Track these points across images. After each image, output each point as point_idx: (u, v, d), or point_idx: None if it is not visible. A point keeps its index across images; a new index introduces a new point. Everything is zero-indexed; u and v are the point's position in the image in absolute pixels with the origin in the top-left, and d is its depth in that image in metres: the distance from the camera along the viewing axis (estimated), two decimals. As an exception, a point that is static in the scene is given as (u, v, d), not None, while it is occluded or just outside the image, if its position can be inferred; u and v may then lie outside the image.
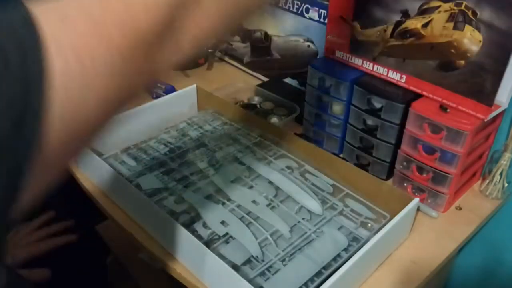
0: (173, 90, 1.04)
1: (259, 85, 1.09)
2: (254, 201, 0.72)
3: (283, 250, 0.64)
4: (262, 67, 1.15)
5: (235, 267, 0.60)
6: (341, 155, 0.88)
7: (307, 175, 0.79)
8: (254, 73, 1.19)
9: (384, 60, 0.78)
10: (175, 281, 1.17)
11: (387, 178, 0.81)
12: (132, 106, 0.87)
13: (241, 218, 0.69)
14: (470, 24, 0.64)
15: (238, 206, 0.71)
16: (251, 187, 0.76)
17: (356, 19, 0.79)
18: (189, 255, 0.63)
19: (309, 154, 0.80)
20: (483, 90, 0.66)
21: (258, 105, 1.03)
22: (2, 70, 0.22)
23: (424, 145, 0.72)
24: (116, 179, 0.71)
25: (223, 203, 0.72)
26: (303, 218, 0.70)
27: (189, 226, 0.67)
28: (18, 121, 0.23)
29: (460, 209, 0.76)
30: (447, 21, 0.66)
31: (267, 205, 0.72)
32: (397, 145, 0.76)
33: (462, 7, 0.64)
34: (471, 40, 0.64)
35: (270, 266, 0.62)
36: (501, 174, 0.77)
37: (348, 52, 0.83)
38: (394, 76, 0.77)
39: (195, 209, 0.70)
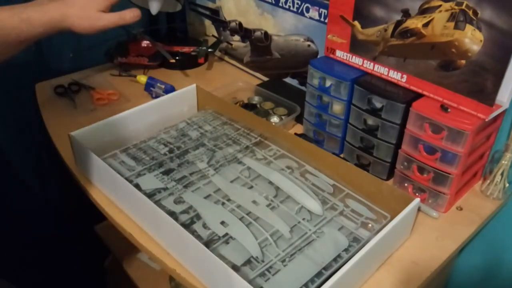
0: (172, 90, 1.04)
1: (259, 85, 1.09)
2: (254, 201, 0.72)
3: (283, 251, 0.64)
4: (262, 67, 1.15)
5: (235, 268, 0.60)
6: (342, 155, 0.87)
7: (307, 175, 0.78)
8: (254, 73, 1.18)
9: (384, 59, 0.77)
10: (175, 282, 1.17)
11: (388, 178, 0.81)
12: (131, 106, 0.87)
13: (241, 219, 0.68)
14: (471, 24, 0.64)
15: (238, 206, 0.71)
16: (251, 187, 0.75)
17: (357, 18, 0.79)
18: (188, 255, 0.63)
19: (309, 154, 0.80)
20: (484, 90, 0.66)
21: (258, 105, 1.03)
22: None
23: (424, 145, 0.72)
24: (115, 179, 0.70)
25: (223, 203, 0.71)
26: (303, 219, 0.69)
27: (188, 226, 0.67)
28: None
29: (461, 209, 0.76)
30: (448, 20, 0.66)
31: (267, 205, 0.71)
32: (398, 145, 0.76)
33: (463, 7, 0.64)
34: (472, 39, 0.64)
35: (270, 267, 0.61)
36: (502, 174, 0.77)
37: (348, 52, 0.83)
38: (395, 75, 0.77)
39: (195, 209, 0.70)
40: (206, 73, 1.22)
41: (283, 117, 0.98)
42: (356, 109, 0.80)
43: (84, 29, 0.72)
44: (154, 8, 1.10)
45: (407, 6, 0.71)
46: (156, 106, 0.91)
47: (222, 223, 0.67)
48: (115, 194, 0.75)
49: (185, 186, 0.75)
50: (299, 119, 0.97)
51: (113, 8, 0.79)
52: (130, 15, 0.75)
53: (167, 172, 0.77)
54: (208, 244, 0.64)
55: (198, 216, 0.69)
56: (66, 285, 1.36)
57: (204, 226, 0.67)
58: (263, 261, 0.62)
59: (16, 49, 0.68)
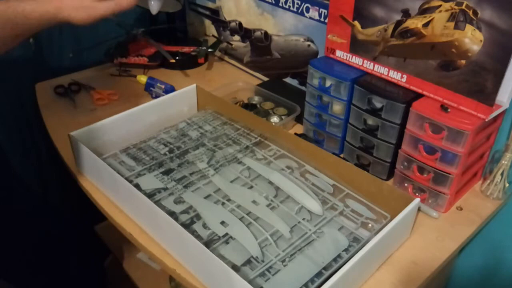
0: (172, 90, 1.04)
1: (259, 85, 1.09)
2: (254, 201, 0.72)
3: (283, 251, 0.64)
4: (262, 67, 1.15)
5: (235, 268, 0.60)
6: (342, 155, 0.87)
7: (307, 175, 0.78)
8: (254, 73, 1.18)
9: (384, 59, 0.77)
10: (175, 282, 1.17)
11: (388, 178, 0.81)
12: (131, 106, 0.87)
13: (241, 219, 0.68)
14: (471, 24, 0.64)
15: (238, 206, 0.71)
16: (251, 187, 0.75)
17: (357, 18, 0.79)
18: (188, 255, 0.63)
19: (309, 154, 0.80)
20: (484, 90, 0.66)
21: (258, 105, 1.03)
22: None
23: (424, 145, 0.72)
24: (115, 179, 0.70)
25: (223, 203, 0.71)
26: (303, 219, 0.69)
27: (188, 226, 0.67)
28: None
29: (461, 209, 0.76)
30: (448, 20, 0.66)
31: (267, 205, 0.71)
32: (398, 145, 0.76)
33: (463, 7, 0.64)
34: (472, 39, 0.64)
35: (270, 267, 0.61)
36: (502, 174, 0.77)
37: (348, 52, 0.83)
38: (395, 75, 0.77)
39: (195, 209, 0.70)
40: (206, 73, 1.22)
41: (283, 117, 0.98)
42: (356, 109, 0.80)
43: (82, 19, 0.72)
44: (154, 8, 1.10)
45: (407, 6, 0.70)
46: (156, 106, 0.91)
47: (222, 223, 0.67)
48: (115, 194, 0.75)
49: (185, 186, 0.75)
50: (299, 119, 0.97)
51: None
52: (126, 1, 0.74)
53: (167, 172, 0.77)
54: (208, 244, 0.64)
55: (198, 216, 0.69)
56: (66, 285, 1.36)
57: (204, 226, 0.67)
58: (263, 261, 0.62)
59: (12, 43, 0.68)
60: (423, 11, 0.69)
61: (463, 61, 0.67)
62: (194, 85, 0.96)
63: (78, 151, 0.79)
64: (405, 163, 0.76)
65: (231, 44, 1.21)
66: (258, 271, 0.60)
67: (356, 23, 0.79)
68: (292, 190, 0.74)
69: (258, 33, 1.10)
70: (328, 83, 0.84)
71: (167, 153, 0.83)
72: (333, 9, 0.82)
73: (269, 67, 1.13)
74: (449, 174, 0.71)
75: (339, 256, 0.63)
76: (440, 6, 0.67)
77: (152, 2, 1.11)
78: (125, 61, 1.15)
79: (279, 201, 0.72)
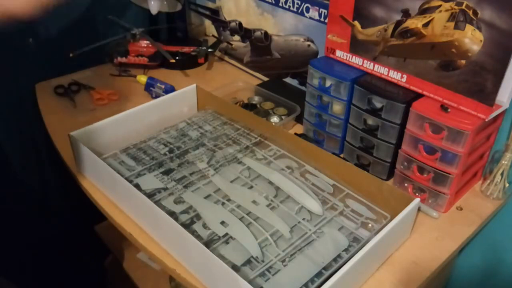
0: (172, 90, 1.04)
1: (259, 85, 1.09)
2: (254, 201, 0.72)
3: (283, 251, 0.64)
4: (262, 67, 1.15)
5: (235, 268, 0.60)
6: (342, 155, 0.87)
7: (307, 175, 0.78)
8: (254, 73, 1.18)
9: (384, 59, 0.77)
10: (175, 282, 1.17)
11: (388, 178, 0.81)
12: (131, 106, 0.87)
13: (241, 219, 0.68)
14: (471, 24, 0.64)
15: (238, 206, 0.71)
16: (251, 187, 0.75)
17: (357, 18, 0.79)
18: (188, 255, 0.63)
19: (309, 154, 0.80)
20: (484, 90, 0.66)
21: (258, 105, 1.03)
22: None
23: (424, 145, 0.72)
24: (115, 179, 0.70)
25: (223, 203, 0.71)
26: (303, 219, 0.69)
27: (188, 226, 0.67)
28: None
29: (461, 209, 0.76)
30: (448, 20, 0.66)
31: (267, 205, 0.71)
32: (398, 145, 0.76)
33: (463, 7, 0.64)
34: (472, 39, 0.64)
35: (270, 267, 0.61)
36: (502, 174, 0.77)
37: (348, 52, 0.83)
38: (395, 75, 0.77)
39: (195, 209, 0.70)
40: (206, 73, 1.22)
41: (283, 117, 0.98)
42: (356, 109, 0.80)
43: (22, 9, 0.68)
44: (154, 8, 1.10)
45: (407, 6, 0.71)
46: (156, 106, 0.91)
47: (222, 223, 0.67)
48: (115, 194, 0.75)
49: (185, 186, 0.75)
50: (299, 119, 0.97)
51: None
52: None
53: (167, 172, 0.77)
54: (208, 244, 0.64)
55: (198, 216, 0.69)
56: (66, 285, 1.36)
57: (204, 226, 0.67)
58: (263, 261, 0.62)
59: None
60: (423, 11, 0.69)
61: (463, 61, 0.67)
62: (194, 85, 0.96)
63: (78, 151, 0.79)
64: (405, 163, 0.76)
65: (231, 44, 1.21)
66: (258, 271, 0.60)
67: (356, 23, 0.79)
68: (292, 190, 0.74)
69: (258, 33, 1.10)
70: (328, 83, 0.84)
71: (167, 153, 0.83)
72: (333, 9, 0.82)
73: (269, 67, 1.13)
74: (449, 174, 0.71)
75: (339, 256, 0.63)
76: (440, 6, 0.67)
77: (152, 2, 1.11)
78: (125, 61, 1.15)
79: (279, 201, 0.72)
